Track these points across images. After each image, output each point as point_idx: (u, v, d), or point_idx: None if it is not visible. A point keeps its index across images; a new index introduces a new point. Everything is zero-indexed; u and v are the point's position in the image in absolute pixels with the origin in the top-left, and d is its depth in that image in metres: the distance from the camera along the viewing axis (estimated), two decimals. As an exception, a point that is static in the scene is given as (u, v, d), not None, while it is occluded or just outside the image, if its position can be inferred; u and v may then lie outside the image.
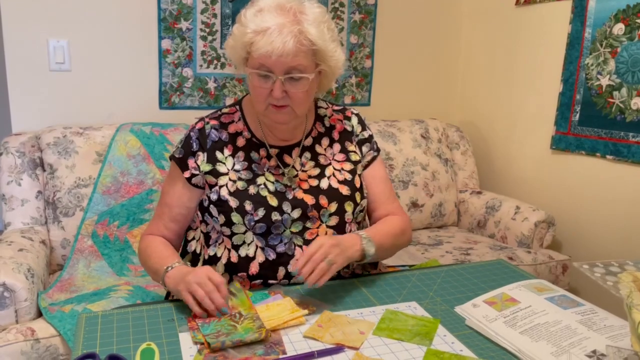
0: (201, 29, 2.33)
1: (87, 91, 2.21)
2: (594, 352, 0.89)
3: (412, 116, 2.78)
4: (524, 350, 0.92)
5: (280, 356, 0.91)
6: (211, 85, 2.40)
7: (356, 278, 1.23)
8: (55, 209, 1.93)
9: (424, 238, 2.41)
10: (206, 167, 1.22)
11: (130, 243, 1.96)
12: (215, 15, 2.34)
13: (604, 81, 2.16)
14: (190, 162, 1.23)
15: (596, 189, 2.24)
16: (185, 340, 0.94)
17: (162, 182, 2.01)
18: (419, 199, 2.50)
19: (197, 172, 1.23)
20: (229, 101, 2.44)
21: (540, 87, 2.47)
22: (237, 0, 2.36)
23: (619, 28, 2.09)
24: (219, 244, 1.23)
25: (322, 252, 1.06)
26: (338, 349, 0.93)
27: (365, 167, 1.33)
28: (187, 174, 1.23)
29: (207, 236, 1.26)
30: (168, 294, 1.37)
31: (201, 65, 2.37)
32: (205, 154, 1.23)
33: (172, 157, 1.27)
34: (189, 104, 2.38)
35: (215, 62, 2.39)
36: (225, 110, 1.30)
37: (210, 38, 2.35)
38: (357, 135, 1.33)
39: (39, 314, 1.58)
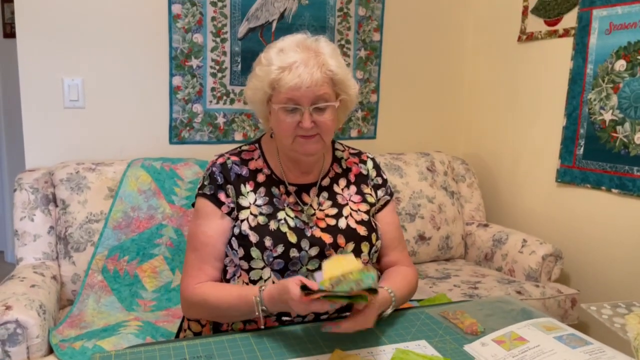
0: (211, 66, 2.39)
1: (100, 127, 2.26)
2: (604, 393, 0.89)
3: (417, 149, 2.81)
4: (534, 391, 0.92)
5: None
6: (220, 120, 2.45)
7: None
8: (66, 244, 1.96)
9: (432, 271, 2.41)
10: (234, 199, 1.25)
11: (139, 277, 1.98)
12: (225, 53, 2.40)
13: (607, 116, 2.19)
14: (222, 196, 1.24)
15: (602, 222, 2.25)
16: (198, 381, 0.95)
17: (172, 217, 2.04)
18: (426, 231, 2.52)
19: (232, 205, 1.25)
20: (237, 136, 2.49)
21: (544, 120, 2.51)
22: (246, 39, 2.43)
23: (620, 64, 2.13)
24: (237, 278, 1.24)
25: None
26: (349, 389, 0.93)
27: (379, 210, 1.37)
28: (225, 209, 1.24)
29: (223, 269, 1.27)
30: (179, 331, 1.38)
31: (211, 101, 2.42)
32: (232, 186, 1.25)
33: (202, 195, 1.26)
34: (199, 139, 2.43)
35: (224, 97, 2.44)
36: (245, 147, 1.33)
37: (220, 75, 2.41)
38: (373, 180, 1.37)
39: (50, 351, 1.60)
